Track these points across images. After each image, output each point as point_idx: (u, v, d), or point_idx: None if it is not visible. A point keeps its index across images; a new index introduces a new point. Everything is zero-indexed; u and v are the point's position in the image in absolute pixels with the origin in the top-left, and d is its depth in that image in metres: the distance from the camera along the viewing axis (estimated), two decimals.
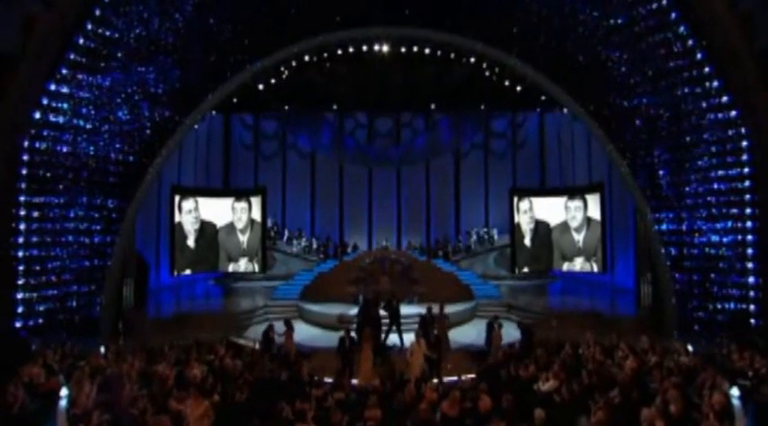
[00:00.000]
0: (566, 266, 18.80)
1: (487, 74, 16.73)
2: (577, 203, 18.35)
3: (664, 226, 14.31)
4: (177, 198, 17.90)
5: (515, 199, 19.07)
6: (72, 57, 12.96)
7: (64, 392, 7.53)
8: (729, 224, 13.08)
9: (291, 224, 23.65)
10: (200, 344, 11.06)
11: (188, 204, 18.29)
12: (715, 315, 13.32)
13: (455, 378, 10.67)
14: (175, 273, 18.11)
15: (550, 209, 18.93)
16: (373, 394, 7.96)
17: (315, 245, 22.70)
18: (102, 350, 10.42)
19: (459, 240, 23.25)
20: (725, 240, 13.15)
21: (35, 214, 12.93)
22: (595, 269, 17.96)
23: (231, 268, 19.29)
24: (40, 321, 12.91)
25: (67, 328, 13.04)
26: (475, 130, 23.87)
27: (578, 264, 18.41)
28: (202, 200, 18.73)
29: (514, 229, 18.99)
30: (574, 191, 18.97)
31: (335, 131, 23.99)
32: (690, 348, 10.15)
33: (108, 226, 14.28)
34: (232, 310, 16.82)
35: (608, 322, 14.58)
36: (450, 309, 15.97)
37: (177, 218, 17.84)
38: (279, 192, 23.84)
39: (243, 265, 19.18)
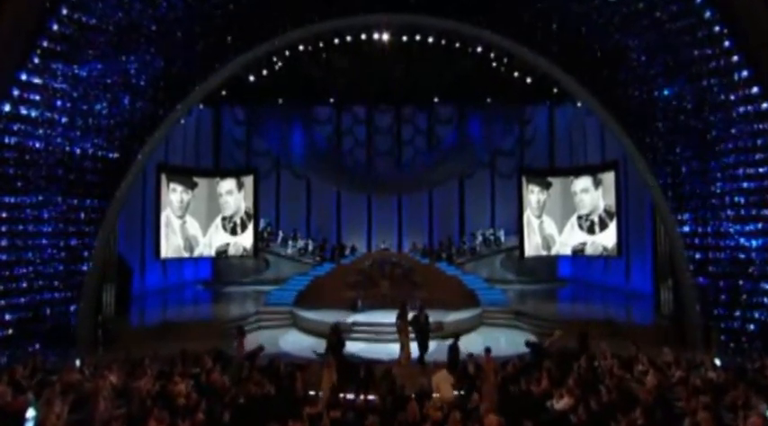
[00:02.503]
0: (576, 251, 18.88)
1: (495, 65, 16.39)
2: (587, 183, 18.46)
3: (686, 228, 13.97)
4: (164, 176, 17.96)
5: (524, 180, 19.03)
6: (45, 44, 12.53)
7: (31, 413, 7.21)
8: (759, 226, 12.70)
9: (286, 224, 23.35)
10: (186, 355, 10.71)
11: (173, 185, 18.35)
12: (744, 324, 12.95)
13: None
14: (162, 257, 18.11)
15: (559, 195, 19.06)
16: (373, 413, 7.67)
17: (311, 247, 22.36)
18: (78, 363, 10.08)
19: (463, 242, 22.89)
20: (754, 243, 12.77)
21: (4, 215, 12.48)
22: (609, 245, 17.99)
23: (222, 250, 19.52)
24: (10, 331, 12.47)
25: (41, 339, 12.69)
26: (483, 151, 23.40)
27: (590, 248, 18.47)
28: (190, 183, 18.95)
29: (522, 212, 19.01)
30: (587, 170, 18.99)
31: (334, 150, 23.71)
32: (717, 361, 9.84)
33: (86, 227, 13.91)
34: (222, 317, 16.49)
35: (624, 331, 14.32)
36: (454, 317, 15.75)
37: (163, 200, 17.74)
38: (274, 192, 23.49)
39: (233, 249, 19.47)
